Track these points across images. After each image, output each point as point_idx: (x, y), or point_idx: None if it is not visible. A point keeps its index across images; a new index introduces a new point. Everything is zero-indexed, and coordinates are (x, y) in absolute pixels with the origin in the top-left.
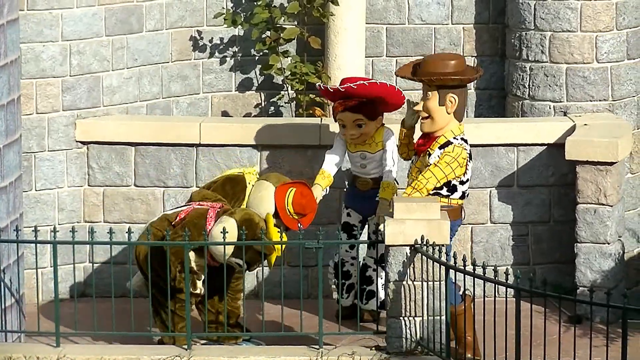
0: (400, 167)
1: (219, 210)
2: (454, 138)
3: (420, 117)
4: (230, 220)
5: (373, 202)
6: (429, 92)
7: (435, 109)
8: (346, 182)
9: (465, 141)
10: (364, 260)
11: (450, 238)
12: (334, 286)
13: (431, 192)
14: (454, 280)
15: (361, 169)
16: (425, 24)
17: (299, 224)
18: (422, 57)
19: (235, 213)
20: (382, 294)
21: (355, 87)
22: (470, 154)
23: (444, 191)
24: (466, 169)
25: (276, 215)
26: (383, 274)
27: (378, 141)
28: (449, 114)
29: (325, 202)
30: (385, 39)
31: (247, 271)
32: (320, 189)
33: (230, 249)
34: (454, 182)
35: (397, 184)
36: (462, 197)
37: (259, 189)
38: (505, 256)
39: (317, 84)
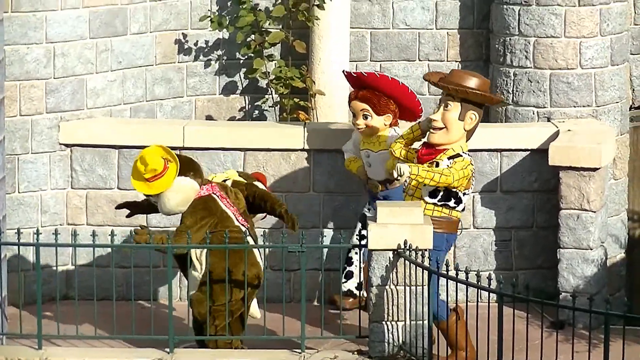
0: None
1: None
2: (464, 152)
3: (432, 128)
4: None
5: None
6: (451, 103)
7: (454, 122)
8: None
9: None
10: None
11: (446, 250)
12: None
13: (439, 203)
14: (438, 293)
15: (368, 168)
16: (410, 28)
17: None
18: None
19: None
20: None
21: (366, 74)
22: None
23: (452, 202)
24: (471, 185)
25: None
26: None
27: (382, 141)
28: (465, 130)
29: (309, 207)
30: (370, 44)
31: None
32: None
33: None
34: (460, 194)
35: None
36: (463, 209)
37: None
38: (488, 261)
39: (342, 70)
